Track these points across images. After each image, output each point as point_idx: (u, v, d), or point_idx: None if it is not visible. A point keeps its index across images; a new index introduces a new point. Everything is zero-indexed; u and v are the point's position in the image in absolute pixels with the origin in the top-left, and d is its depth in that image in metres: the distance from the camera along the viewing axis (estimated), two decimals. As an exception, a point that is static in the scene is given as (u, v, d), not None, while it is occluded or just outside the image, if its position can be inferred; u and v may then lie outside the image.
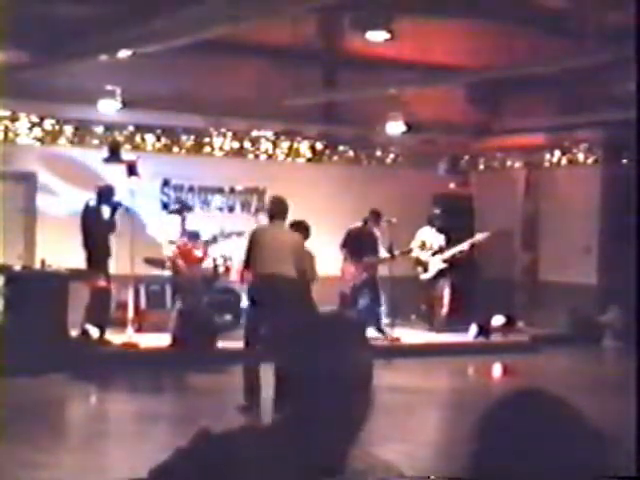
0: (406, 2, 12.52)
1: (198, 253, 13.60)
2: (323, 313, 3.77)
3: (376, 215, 14.30)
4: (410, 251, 15.04)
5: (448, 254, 15.19)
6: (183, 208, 14.35)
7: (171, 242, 13.54)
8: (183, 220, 13.90)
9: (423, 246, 15.19)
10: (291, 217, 10.10)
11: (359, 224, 14.34)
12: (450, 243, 15.29)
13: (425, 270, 15.26)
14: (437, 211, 15.70)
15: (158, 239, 13.73)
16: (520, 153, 17.55)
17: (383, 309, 14.29)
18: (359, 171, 16.78)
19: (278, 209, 9.73)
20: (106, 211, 12.61)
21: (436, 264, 15.20)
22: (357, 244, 14.11)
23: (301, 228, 10.56)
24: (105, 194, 12.70)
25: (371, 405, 2.01)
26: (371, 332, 13.50)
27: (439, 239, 15.29)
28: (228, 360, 11.32)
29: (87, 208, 12.67)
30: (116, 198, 12.75)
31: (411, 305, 15.54)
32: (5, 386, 9.58)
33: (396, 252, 14.44)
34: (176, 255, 13.35)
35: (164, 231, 13.82)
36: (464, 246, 15.29)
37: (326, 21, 15.18)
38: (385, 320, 14.32)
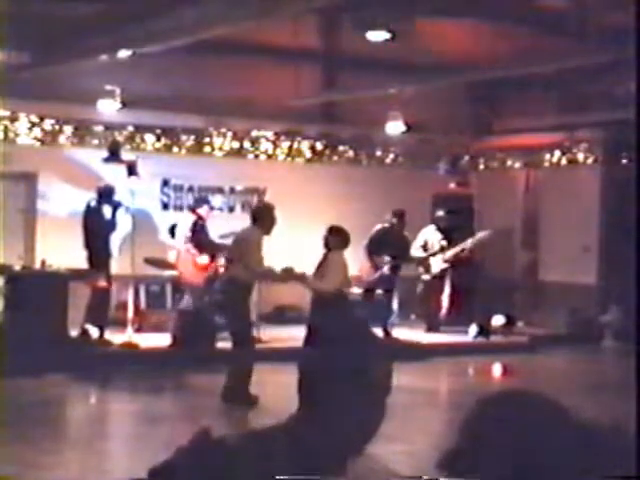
0: (406, 2, 12.51)
1: (203, 261, 13.09)
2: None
3: (401, 215, 14.27)
4: (435, 254, 15.08)
5: (449, 254, 15.17)
6: (200, 205, 13.59)
7: (173, 247, 13.40)
8: (196, 222, 13.07)
9: (426, 246, 15.19)
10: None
11: (386, 225, 14.30)
12: (451, 243, 15.28)
13: (427, 270, 15.25)
14: (441, 212, 15.70)
15: (167, 241, 13.65)
16: (520, 153, 17.54)
17: (395, 311, 14.24)
18: (359, 171, 16.76)
19: (256, 215, 9.96)
20: (107, 211, 12.63)
21: (437, 264, 15.20)
22: (381, 245, 14.07)
23: (335, 234, 10.23)
24: (106, 194, 12.71)
25: (381, 413, 2.00)
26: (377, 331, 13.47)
27: (441, 239, 15.27)
28: (228, 360, 11.29)
29: (89, 208, 12.68)
30: (116, 198, 12.76)
31: (411, 305, 15.54)
32: (5, 386, 9.58)
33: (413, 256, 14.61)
34: (178, 263, 13.15)
35: (169, 234, 13.71)
36: (467, 245, 15.23)
37: (326, 21, 15.18)
38: (394, 321, 14.24)
